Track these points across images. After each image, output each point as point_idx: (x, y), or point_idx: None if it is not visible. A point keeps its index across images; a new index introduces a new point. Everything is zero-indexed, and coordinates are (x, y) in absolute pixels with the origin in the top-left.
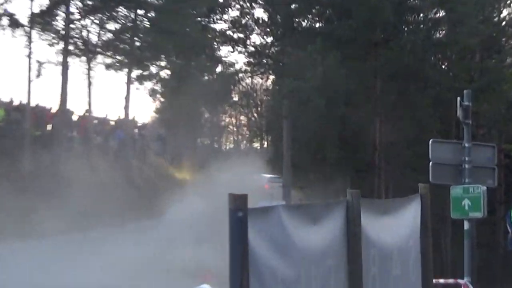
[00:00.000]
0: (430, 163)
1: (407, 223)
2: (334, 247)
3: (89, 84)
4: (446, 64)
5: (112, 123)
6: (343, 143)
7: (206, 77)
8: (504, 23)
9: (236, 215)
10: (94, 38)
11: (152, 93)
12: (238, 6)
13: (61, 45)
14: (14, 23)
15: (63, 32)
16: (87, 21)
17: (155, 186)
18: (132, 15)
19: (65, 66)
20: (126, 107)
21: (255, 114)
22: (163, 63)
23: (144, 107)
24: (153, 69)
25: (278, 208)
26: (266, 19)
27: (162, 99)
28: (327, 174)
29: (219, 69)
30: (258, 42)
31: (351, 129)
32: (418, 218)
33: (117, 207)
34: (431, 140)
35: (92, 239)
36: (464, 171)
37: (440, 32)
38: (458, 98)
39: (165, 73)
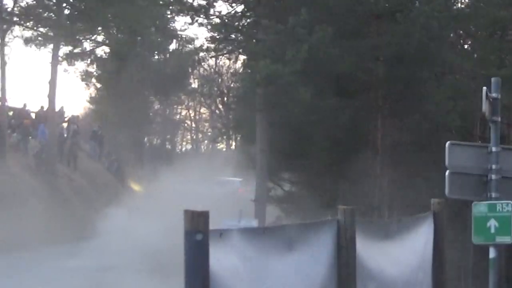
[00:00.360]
0: (447, 172)
1: (417, 250)
2: (319, 279)
3: (3, 64)
4: (469, 43)
5: (33, 116)
6: (335, 145)
7: (156, 57)
8: None
9: (194, 238)
10: (8, 4)
11: (86, 76)
12: None
13: None
14: None
15: None
16: None
17: (89, 199)
18: None
19: None
20: (51, 95)
21: (220, 106)
22: (99, 38)
23: (74, 96)
24: (87, 46)
25: (242, 232)
26: None
27: (98, 85)
28: (314, 185)
29: (173, 46)
30: (224, 12)
31: (345, 126)
32: (430, 243)
33: (37, 225)
34: (448, 143)
35: None
36: (490, 182)
37: (463, 1)
38: (484, 88)
39: (102, 51)
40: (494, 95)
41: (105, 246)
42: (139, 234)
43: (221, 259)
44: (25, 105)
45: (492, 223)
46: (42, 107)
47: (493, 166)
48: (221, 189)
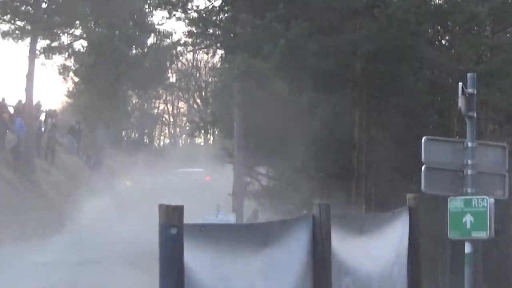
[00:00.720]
0: (423, 167)
1: (392, 245)
2: (295, 274)
3: None
4: (447, 39)
5: (10, 109)
6: (312, 141)
7: (134, 51)
8: None
9: (169, 232)
10: None
11: (63, 70)
12: None
13: None
14: None
15: None
16: None
17: (67, 194)
18: None
19: None
20: (29, 89)
21: (198, 100)
22: (77, 32)
23: (52, 89)
24: (65, 39)
25: (219, 227)
26: None
27: (76, 79)
28: (291, 181)
29: (151, 40)
30: (202, 6)
31: (322, 122)
32: (405, 238)
33: (13, 219)
34: (424, 138)
35: None
36: (466, 178)
37: None
38: (460, 84)
39: (80, 45)
40: (470, 90)
41: (82, 239)
42: (115, 227)
43: (196, 253)
44: (3, 99)
45: (468, 218)
46: (20, 101)
47: (469, 162)
48: (187, 178)
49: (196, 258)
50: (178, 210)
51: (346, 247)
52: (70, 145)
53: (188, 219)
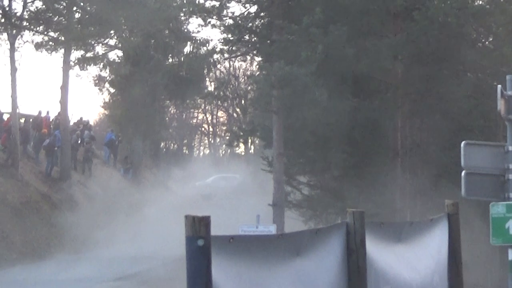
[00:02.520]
0: (463, 173)
1: (431, 253)
2: (329, 285)
3: (13, 70)
4: (490, 40)
5: (51, 121)
6: (353, 147)
7: (170, 60)
8: None
9: (195, 244)
10: (18, 8)
11: (99, 81)
12: None
13: None
14: None
15: None
16: None
17: (104, 208)
18: None
19: None
20: (64, 101)
21: (237, 109)
22: (111, 42)
23: (88, 101)
24: (99, 49)
25: (249, 238)
26: None
27: (111, 90)
28: (332, 189)
29: (187, 49)
30: (237, 13)
31: (363, 128)
32: (445, 246)
33: (50, 234)
34: (463, 143)
35: None
36: (508, 183)
37: None
38: (499, 87)
39: (115, 55)
40: (509, 93)
41: (120, 254)
42: (153, 242)
43: (224, 265)
44: (40, 112)
45: (511, 224)
46: (58, 114)
47: (510, 166)
48: (225, 182)
49: (224, 271)
50: (204, 221)
51: (383, 255)
52: (106, 157)
53: (226, 230)
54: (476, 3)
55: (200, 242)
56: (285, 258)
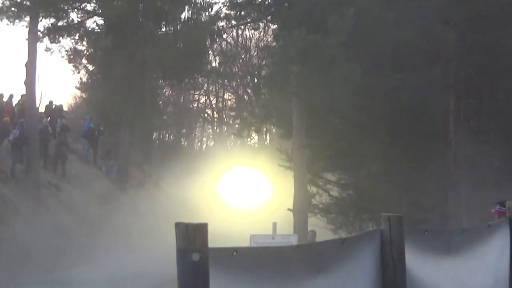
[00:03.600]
0: None
1: (488, 266)
2: None
3: None
4: None
5: (14, 106)
6: (394, 136)
7: (163, 29)
8: None
9: (189, 258)
10: None
11: (74, 57)
12: None
13: None
14: None
15: None
16: None
17: (82, 216)
18: None
19: None
20: (30, 81)
21: (248, 90)
22: (89, 7)
23: (60, 81)
24: (74, 17)
25: (258, 251)
26: None
27: (90, 67)
28: (368, 189)
29: (185, 15)
30: None
31: (406, 111)
32: (506, 258)
33: (17, 252)
34: None
35: None
36: None
37: None
38: None
39: (94, 23)
40: None
41: (101, 275)
42: (143, 258)
43: (226, 285)
44: (0, 96)
45: None
46: (23, 98)
47: None
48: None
49: None
50: (200, 230)
51: (427, 270)
52: (85, 152)
53: (234, 242)
54: None
55: (195, 256)
56: (303, 276)
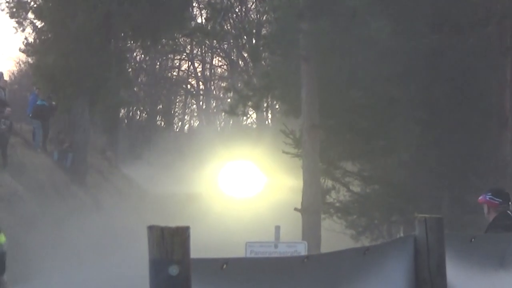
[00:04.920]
0: None
1: None
2: None
3: None
4: None
5: None
6: (433, 114)
7: None
8: None
9: (165, 272)
10: None
11: (17, 9)
12: None
13: None
14: None
15: None
16: None
17: (27, 218)
18: None
19: None
20: None
21: (244, 54)
22: None
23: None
24: None
25: (255, 262)
26: None
27: (38, 23)
28: (399, 183)
29: None
30: None
31: (448, 82)
32: None
33: None
34: None
35: None
36: None
37: None
38: None
39: None
40: None
41: None
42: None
43: None
44: None
45: None
46: None
47: None
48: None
49: None
50: (181, 235)
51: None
52: (38, 137)
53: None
54: None
55: (173, 270)
56: None
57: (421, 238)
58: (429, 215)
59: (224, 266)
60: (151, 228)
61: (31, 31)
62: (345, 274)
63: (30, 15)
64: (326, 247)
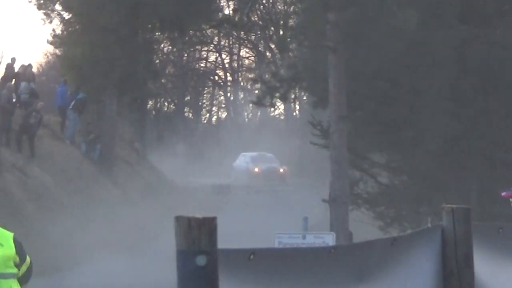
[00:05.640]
0: None
1: None
2: None
3: None
4: None
5: None
6: (462, 105)
7: None
8: None
9: (192, 262)
10: None
11: (45, 1)
12: None
13: None
14: None
15: None
16: None
17: (58, 208)
18: None
19: None
20: None
21: (271, 45)
22: None
23: (27, 34)
24: None
25: (282, 253)
26: None
27: (66, 15)
28: (427, 174)
29: None
30: None
31: (478, 73)
32: None
33: None
34: None
35: None
36: None
37: None
38: None
39: None
40: None
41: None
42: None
43: None
44: None
45: None
46: None
47: None
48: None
49: None
50: (208, 226)
51: (502, 280)
52: (71, 127)
53: (254, 243)
54: None
55: (201, 260)
56: (341, 284)
57: (449, 228)
58: (457, 205)
59: (251, 256)
60: (178, 219)
61: (59, 22)
62: (372, 265)
63: (58, 7)
64: (354, 238)
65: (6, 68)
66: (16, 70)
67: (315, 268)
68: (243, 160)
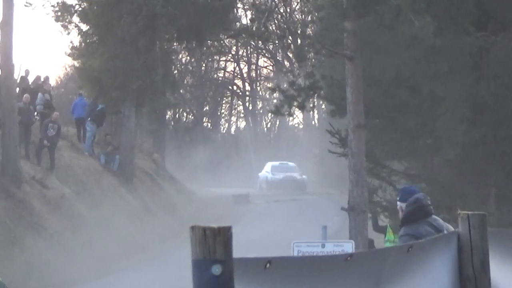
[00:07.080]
0: None
1: None
2: None
3: None
4: None
5: None
6: (479, 112)
7: None
8: None
9: (208, 272)
10: None
11: (62, 13)
12: None
13: None
14: None
15: None
16: None
17: (77, 221)
18: None
19: None
20: (5, 45)
21: (289, 54)
22: None
23: (45, 46)
24: None
25: (298, 262)
26: None
27: (84, 27)
28: (445, 181)
29: None
30: None
31: (495, 80)
32: None
33: None
34: None
35: None
36: None
37: None
38: None
39: None
40: None
41: None
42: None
43: None
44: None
45: None
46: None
47: None
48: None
49: None
50: (223, 235)
51: None
52: (89, 138)
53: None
54: None
55: (216, 269)
56: None
57: (465, 235)
58: (473, 212)
59: (267, 265)
60: (193, 228)
61: (77, 34)
62: (389, 272)
63: (75, 19)
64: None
65: (20, 81)
66: (30, 82)
67: (332, 276)
68: (268, 169)
